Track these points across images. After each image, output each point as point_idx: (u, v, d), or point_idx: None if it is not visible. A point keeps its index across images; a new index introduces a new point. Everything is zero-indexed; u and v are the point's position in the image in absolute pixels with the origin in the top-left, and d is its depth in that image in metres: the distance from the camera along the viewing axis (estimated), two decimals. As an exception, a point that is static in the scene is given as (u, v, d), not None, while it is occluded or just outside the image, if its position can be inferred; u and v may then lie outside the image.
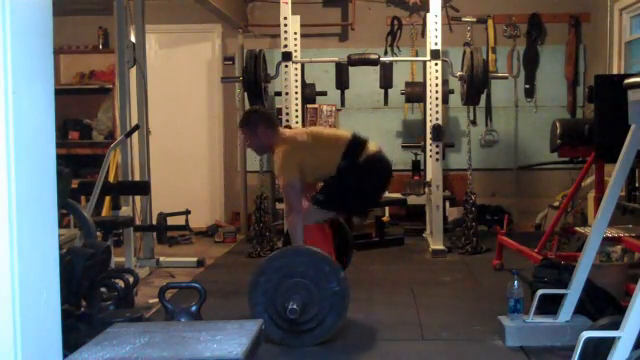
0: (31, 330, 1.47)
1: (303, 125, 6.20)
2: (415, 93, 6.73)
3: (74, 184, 4.31)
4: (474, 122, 7.10)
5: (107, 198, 5.73)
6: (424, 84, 6.49)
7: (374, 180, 4.04)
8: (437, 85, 5.80)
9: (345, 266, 4.16)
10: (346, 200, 3.97)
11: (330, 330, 3.38)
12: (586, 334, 2.38)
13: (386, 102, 6.38)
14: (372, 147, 4.03)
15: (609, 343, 2.35)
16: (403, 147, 7.07)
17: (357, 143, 4.00)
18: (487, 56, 7.09)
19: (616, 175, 3.06)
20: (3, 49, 1.40)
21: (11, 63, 1.41)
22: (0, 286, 1.41)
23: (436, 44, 5.76)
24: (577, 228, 4.77)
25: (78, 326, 2.74)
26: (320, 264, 3.37)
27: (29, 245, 1.46)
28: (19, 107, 1.43)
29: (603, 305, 3.38)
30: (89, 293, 3.04)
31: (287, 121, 5.82)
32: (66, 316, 2.34)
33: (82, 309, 3.03)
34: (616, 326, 2.38)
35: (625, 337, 2.31)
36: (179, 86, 7.43)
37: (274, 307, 3.33)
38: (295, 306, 3.22)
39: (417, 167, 6.81)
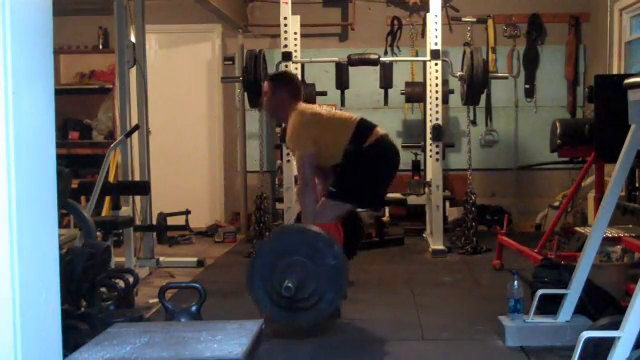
0: (31, 330, 1.47)
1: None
2: (415, 93, 6.72)
3: (74, 184, 4.32)
4: (474, 122, 7.10)
5: (107, 198, 5.73)
6: (424, 84, 6.48)
7: (381, 166, 4.00)
8: (437, 85, 5.80)
9: (351, 255, 4.13)
10: (358, 189, 3.92)
11: (332, 304, 3.36)
12: (586, 334, 2.38)
13: (386, 102, 6.38)
14: (379, 132, 4.00)
15: (609, 343, 2.35)
16: (403, 147, 7.03)
17: (365, 127, 3.98)
18: (487, 56, 7.09)
19: (616, 175, 3.06)
20: (3, 49, 1.40)
21: (11, 63, 1.41)
22: (0, 286, 1.41)
23: (436, 44, 5.76)
24: (577, 228, 4.77)
25: (78, 326, 2.73)
26: (313, 240, 3.35)
27: (29, 245, 1.46)
28: (19, 107, 1.43)
29: (603, 305, 3.38)
30: (89, 293, 3.04)
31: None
32: (66, 316, 2.33)
33: (82, 309, 3.03)
34: (616, 326, 2.38)
35: (625, 337, 2.31)
36: (179, 86, 7.43)
37: (273, 288, 3.30)
38: (290, 284, 3.20)
39: (417, 167, 6.81)
